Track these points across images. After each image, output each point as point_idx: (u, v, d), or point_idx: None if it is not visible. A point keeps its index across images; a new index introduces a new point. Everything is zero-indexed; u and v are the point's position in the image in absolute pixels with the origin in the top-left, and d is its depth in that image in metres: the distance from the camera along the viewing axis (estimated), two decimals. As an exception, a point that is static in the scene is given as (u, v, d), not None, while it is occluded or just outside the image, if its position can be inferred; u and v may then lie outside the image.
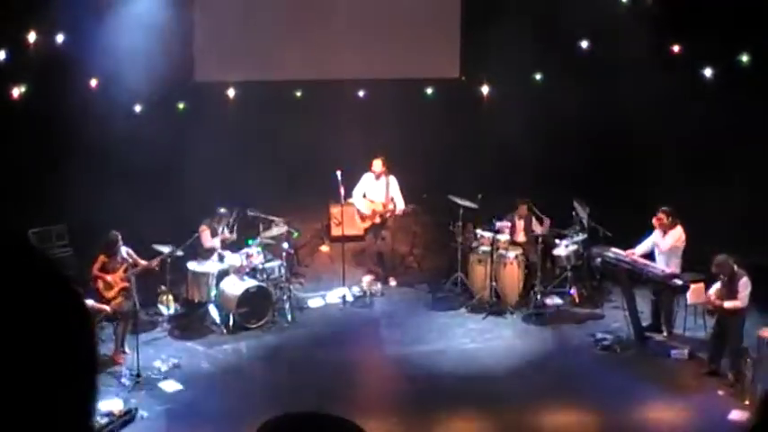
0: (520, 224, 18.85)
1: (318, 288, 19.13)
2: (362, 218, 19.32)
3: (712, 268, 15.24)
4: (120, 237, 16.14)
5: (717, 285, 15.31)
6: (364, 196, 19.26)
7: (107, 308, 15.54)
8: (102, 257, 16.05)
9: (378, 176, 19.19)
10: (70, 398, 1.55)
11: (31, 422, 1.48)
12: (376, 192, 19.22)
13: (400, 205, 19.18)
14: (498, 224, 18.38)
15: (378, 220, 19.25)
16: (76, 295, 1.63)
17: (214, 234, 17.88)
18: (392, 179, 19.21)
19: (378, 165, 19.14)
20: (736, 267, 15.07)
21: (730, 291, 15.04)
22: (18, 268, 1.54)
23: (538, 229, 18.79)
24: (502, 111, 20.34)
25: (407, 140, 20.40)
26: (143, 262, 16.39)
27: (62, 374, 1.54)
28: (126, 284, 15.96)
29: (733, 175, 18.28)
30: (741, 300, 14.98)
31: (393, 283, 19.51)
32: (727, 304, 15.02)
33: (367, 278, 19.19)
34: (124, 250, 16.24)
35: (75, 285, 1.63)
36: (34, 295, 1.53)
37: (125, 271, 15.98)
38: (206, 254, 17.79)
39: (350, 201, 19.27)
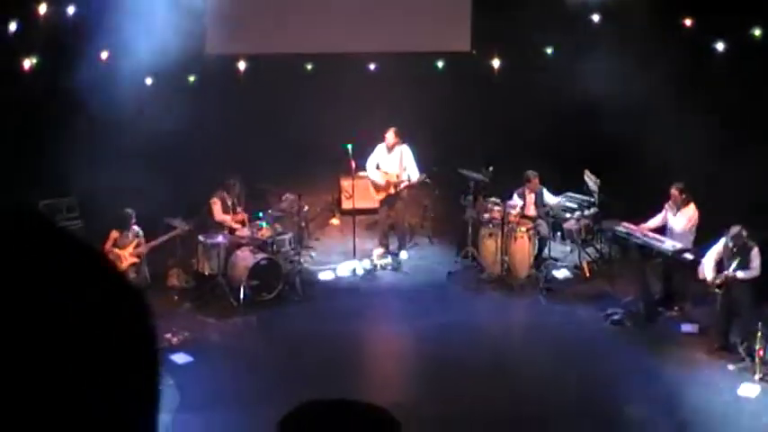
0: (531, 198, 18.79)
1: (329, 261, 19.14)
2: (377, 189, 19.30)
3: (727, 239, 15.25)
4: (133, 214, 16.15)
5: (716, 249, 15.38)
6: (378, 167, 19.23)
7: None
8: (113, 233, 16.08)
9: (391, 148, 19.15)
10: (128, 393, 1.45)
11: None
12: (389, 163, 19.19)
13: (415, 175, 19.14)
14: (509, 202, 18.34)
15: (392, 190, 19.23)
16: (120, 275, 1.57)
17: (225, 207, 17.88)
18: (405, 149, 19.17)
19: (390, 136, 19.10)
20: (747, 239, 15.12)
21: (743, 262, 15.07)
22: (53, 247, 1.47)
23: (551, 201, 18.73)
24: (512, 84, 20.31)
25: (418, 114, 20.37)
26: (150, 244, 16.37)
27: (117, 368, 1.44)
28: (135, 260, 15.98)
29: (746, 149, 18.22)
30: (754, 269, 15.02)
31: (404, 255, 19.50)
32: (741, 274, 15.03)
33: (377, 251, 19.21)
34: (136, 228, 16.23)
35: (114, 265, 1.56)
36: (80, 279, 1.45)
37: (135, 247, 15.99)
38: (216, 226, 17.79)
39: (362, 174, 19.27)
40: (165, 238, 16.52)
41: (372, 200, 19.66)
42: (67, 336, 1.37)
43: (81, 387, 1.37)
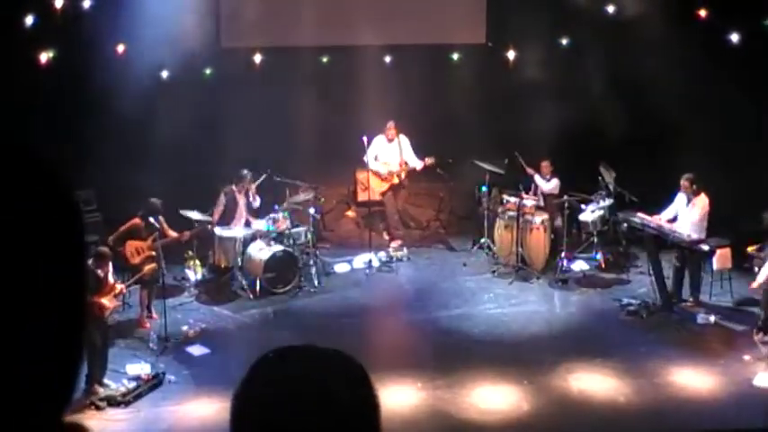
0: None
1: (344, 253, 19.19)
2: (381, 179, 19.34)
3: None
4: (160, 204, 16.15)
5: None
6: (376, 159, 19.29)
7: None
8: (136, 221, 16.01)
9: (390, 139, 19.23)
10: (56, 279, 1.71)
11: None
12: (389, 153, 19.30)
13: (414, 162, 19.27)
14: (525, 197, 18.37)
15: (395, 180, 19.30)
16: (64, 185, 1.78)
17: (229, 200, 17.86)
18: (403, 138, 19.29)
19: (392, 132, 19.19)
20: None
21: None
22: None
23: (546, 186, 18.71)
24: (528, 77, 20.30)
25: (434, 106, 20.42)
26: (173, 233, 16.42)
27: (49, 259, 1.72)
28: (152, 253, 15.98)
29: (760, 139, 18.22)
30: None
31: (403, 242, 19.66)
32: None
33: (394, 244, 19.28)
34: (160, 219, 16.22)
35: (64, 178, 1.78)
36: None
37: (154, 240, 16.00)
38: (232, 217, 17.81)
39: (371, 167, 19.27)
40: (186, 235, 16.58)
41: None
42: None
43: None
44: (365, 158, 19.20)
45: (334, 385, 2.11)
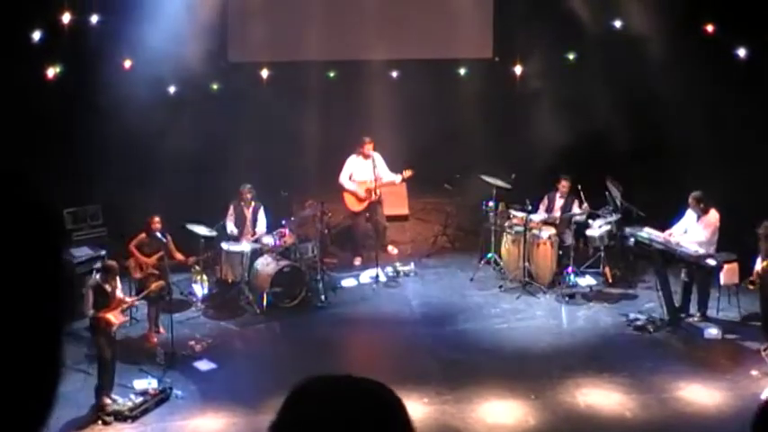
0: (559, 202, 18.74)
1: (351, 268, 19.17)
2: (358, 199, 19.30)
3: (761, 230, 15.30)
4: (159, 220, 16.18)
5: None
6: (350, 178, 19.24)
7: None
8: (142, 236, 16.08)
9: (366, 156, 19.20)
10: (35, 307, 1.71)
11: None
12: (363, 171, 19.22)
13: (391, 178, 19.35)
14: (537, 215, 18.39)
15: (373, 196, 19.27)
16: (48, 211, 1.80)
17: (236, 215, 17.89)
18: (377, 155, 19.25)
19: (369, 147, 19.17)
20: None
21: None
22: None
23: (577, 209, 18.62)
24: (535, 91, 20.32)
25: (440, 121, 20.43)
26: (180, 256, 16.47)
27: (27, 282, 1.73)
28: (155, 271, 16.00)
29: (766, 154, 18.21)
30: None
31: (393, 250, 19.70)
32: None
33: (358, 261, 19.35)
34: (164, 236, 16.23)
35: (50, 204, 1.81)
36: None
37: (159, 259, 16.00)
38: (240, 231, 17.85)
39: (348, 187, 19.25)
40: (191, 259, 16.66)
41: (400, 207, 19.91)
42: None
43: None
44: (340, 179, 19.21)
45: (370, 419, 2.09)
